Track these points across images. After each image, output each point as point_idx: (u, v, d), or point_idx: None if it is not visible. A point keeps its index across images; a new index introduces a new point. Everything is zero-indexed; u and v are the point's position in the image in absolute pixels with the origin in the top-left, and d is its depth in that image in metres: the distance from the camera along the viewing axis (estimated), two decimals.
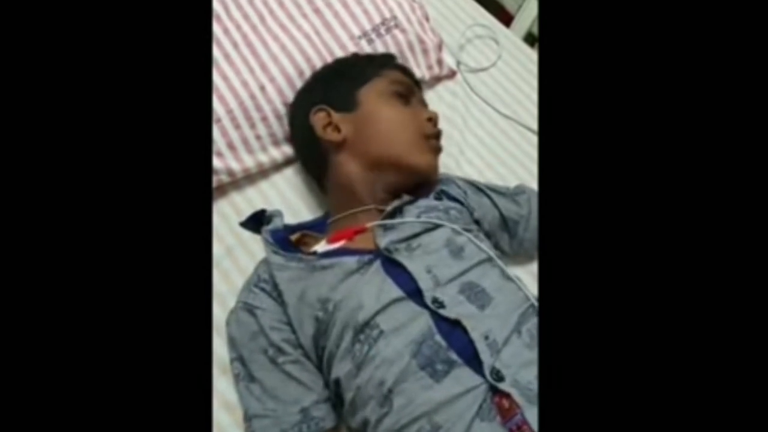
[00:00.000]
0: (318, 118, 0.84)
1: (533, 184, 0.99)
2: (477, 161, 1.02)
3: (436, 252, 0.73)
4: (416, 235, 0.75)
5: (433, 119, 0.85)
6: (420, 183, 0.83)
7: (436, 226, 0.76)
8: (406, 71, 0.92)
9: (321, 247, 0.77)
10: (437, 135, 0.85)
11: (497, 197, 0.89)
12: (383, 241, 0.73)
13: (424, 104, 0.91)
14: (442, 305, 0.67)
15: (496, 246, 0.87)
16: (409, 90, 0.87)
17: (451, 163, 1.01)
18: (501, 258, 0.80)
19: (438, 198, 0.83)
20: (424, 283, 0.68)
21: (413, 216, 0.77)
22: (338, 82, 0.87)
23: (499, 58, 1.12)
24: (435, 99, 1.07)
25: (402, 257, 0.71)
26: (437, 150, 0.85)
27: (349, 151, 0.83)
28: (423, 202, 0.81)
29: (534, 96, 1.09)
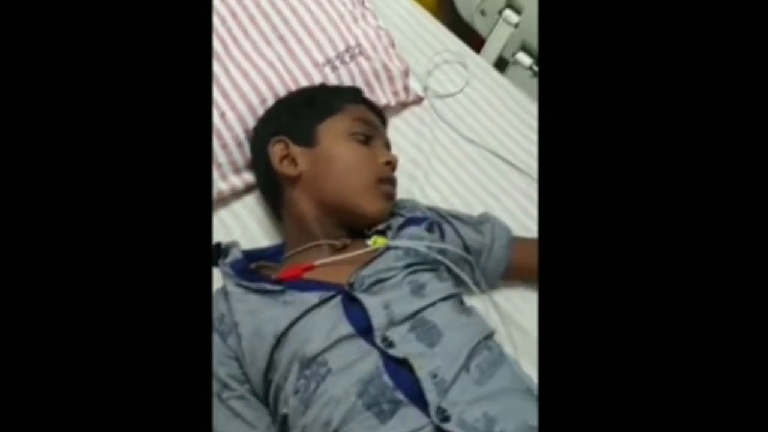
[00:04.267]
0: (276, 150, 0.84)
1: (499, 210, 0.99)
2: (443, 187, 1.02)
3: (397, 288, 0.72)
4: (390, 268, 0.74)
5: (391, 163, 0.84)
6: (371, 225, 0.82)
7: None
8: (372, 106, 0.92)
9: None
10: (392, 181, 0.85)
11: (460, 225, 0.88)
12: (354, 275, 0.73)
13: (386, 144, 0.90)
14: (391, 344, 0.66)
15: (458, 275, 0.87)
16: (372, 128, 0.86)
17: (416, 189, 1.01)
18: (461, 288, 0.79)
19: (430, 229, 0.83)
20: (378, 320, 0.68)
21: (395, 253, 0.76)
22: (300, 114, 0.86)
23: (467, 84, 1.12)
24: (401, 125, 1.07)
25: (362, 294, 0.71)
26: (390, 196, 0.84)
27: (303, 187, 0.82)
28: (413, 230, 0.81)
29: (500, 121, 1.09)
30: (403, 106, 1.08)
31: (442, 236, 0.84)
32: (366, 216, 0.81)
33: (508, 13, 1.22)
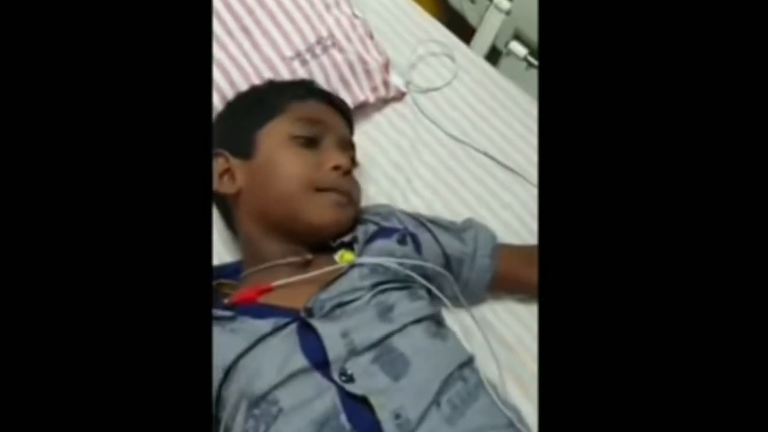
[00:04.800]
0: (215, 165, 0.75)
1: (488, 216, 0.91)
2: (425, 191, 0.93)
3: (361, 311, 0.64)
4: (355, 289, 0.66)
5: (340, 168, 0.73)
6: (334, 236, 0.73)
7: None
8: (328, 99, 0.81)
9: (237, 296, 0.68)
10: (340, 188, 0.73)
11: (440, 232, 0.80)
12: (312, 299, 0.64)
13: (344, 142, 0.78)
14: (350, 379, 0.58)
15: (439, 288, 0.78)
16: (320, 127, 0.75)
17: (397, 194, 0.92)
18: (439, 306, 0.71)
19: (401, 241, 0.73)
20: (334, 351, 0.59)
21: (360, 271, 0.68)
22: (239, 120, 0.77)
23: (455, 77, 1.03)
24: (383, 122, 0.98)
25: (319, 321, 0.62)
26: (340, 203, 0.72)
27: (245, 204, 0.74)
28: (382, 243, 0.72)
29: (490, 117, 1.00)
30: (383, 102, 0.99)
31: (418, 247, 0.75)
32: (312, 226, 0.71)
33: None
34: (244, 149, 0.74)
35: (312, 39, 0.91)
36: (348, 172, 0.74)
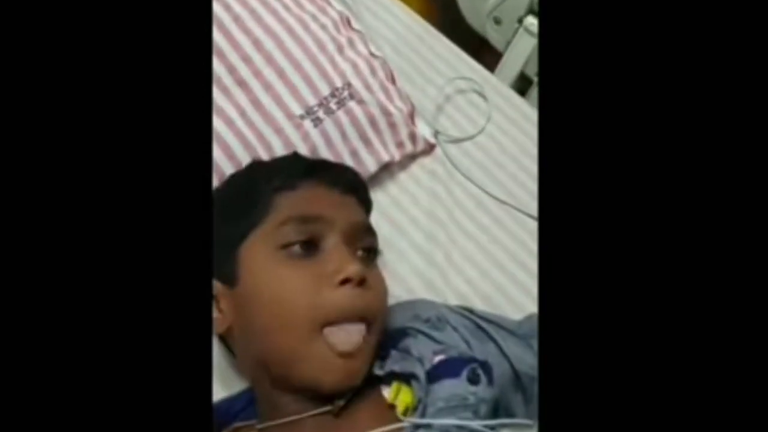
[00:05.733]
0: None
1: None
2: (469, 270, 0.77)
3: None
4: None
5: (351, 281, 0.53)
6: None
7: None
8: (329, 177, 0.61)
9: None
10: (353, 311, 0.53)
11: (505, 340, 0.64)
12: None
13: (352, 237, 0.57)
14: None
15: (507, 410, 0.63)
16: (316, 223, 0.56)
17: (436, 276, 0.76)
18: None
19: (473, 379, 0.56)
20: None
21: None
22: (218, 230, 0.55)
23: (489, 120, 0.86)
24: (411, 184, 0.82)
25: None
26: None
27: (238, 345, 0.59)
28: (451, 387, 0.55)
29: (530, 165, 0.84)
30: (412, 158, 0.82)
31: (491, 378, 0.59)
32: (318, 388, 0.53)
33: (531, 20, 0.96)
34: (228, 272, 0.56)
35: (325, 91, 0.73)
36: (362, 282, 0.54)
